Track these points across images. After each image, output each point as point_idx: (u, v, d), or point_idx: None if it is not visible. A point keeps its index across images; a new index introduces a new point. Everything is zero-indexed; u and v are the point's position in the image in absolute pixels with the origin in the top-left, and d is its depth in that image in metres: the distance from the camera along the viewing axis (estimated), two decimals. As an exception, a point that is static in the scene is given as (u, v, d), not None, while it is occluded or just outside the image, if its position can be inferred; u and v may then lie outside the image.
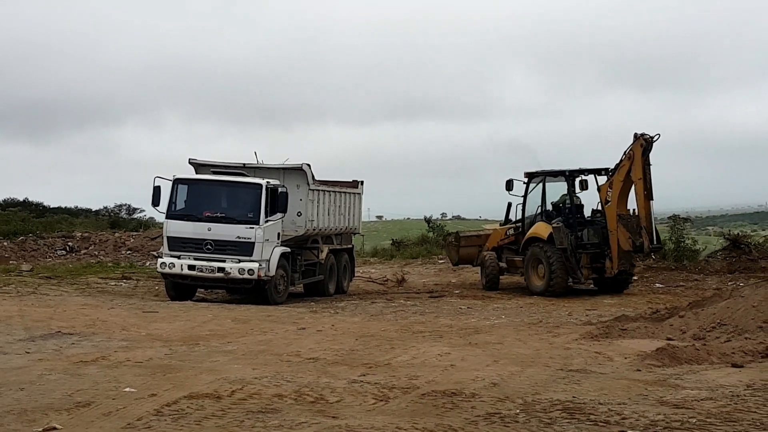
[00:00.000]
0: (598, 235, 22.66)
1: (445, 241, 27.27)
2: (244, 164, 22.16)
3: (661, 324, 14.79)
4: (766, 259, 27.66)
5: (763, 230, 44.80)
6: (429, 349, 12.95)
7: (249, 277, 20.22)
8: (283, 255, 20.95)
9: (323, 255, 23.05)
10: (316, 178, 22.25)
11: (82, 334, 14.07)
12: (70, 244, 34.39)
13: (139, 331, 14.72)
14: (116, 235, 36.39)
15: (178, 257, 20.52)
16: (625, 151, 21.81)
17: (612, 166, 22.70)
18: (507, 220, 25.16)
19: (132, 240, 35.27)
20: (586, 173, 23.35)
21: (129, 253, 33.48)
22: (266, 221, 20.38)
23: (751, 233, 35.93)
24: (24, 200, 50.75)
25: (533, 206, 24.00)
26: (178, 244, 20.62)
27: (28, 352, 12.14)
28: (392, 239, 41.52)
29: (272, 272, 20.48)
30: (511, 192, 24.11)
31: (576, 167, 23.59)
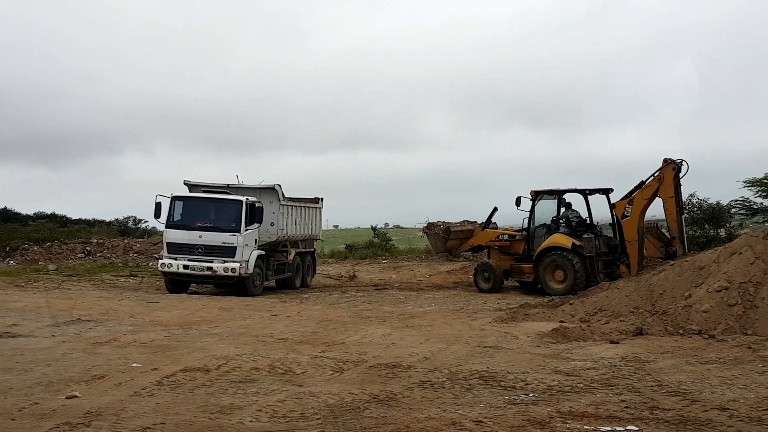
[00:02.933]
0: (606, 244, 21.61)
1: (430, 231, 24.85)
2: (228, 185, 22.08)
3: (555, 310, 14.95)
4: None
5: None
6: (375, 330, 12.99)
7: (232, 274, 20.15)
8: (259, 257, 20.89)
9: (291, 256, 22.97)
10: (286, 195, 22.22)
11: (97, 321, 13.87)
12: (88, 248, 33.76)
13: (143, 318, 14.57)
14: (125, 241, 35.83)
15: (175, 259, 20.35)
16: (653, 174, 20.44)
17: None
18: (488, 223, 23.99)
19: (138, 245, 34.75)
20: (600, 191, 21.96)
21: (136, 256, 32.97)
22: (246, 230, 20.31)
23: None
24: (51, 213, 49.70)
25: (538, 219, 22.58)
26: (175, 248, 20.45)
27: (54, 336, 11.93)
28: (346, 244, 41.39)
29: (250, 270, 20.41)
30: (519, 208, 22.51)
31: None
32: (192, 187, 22.17)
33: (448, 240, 24.29)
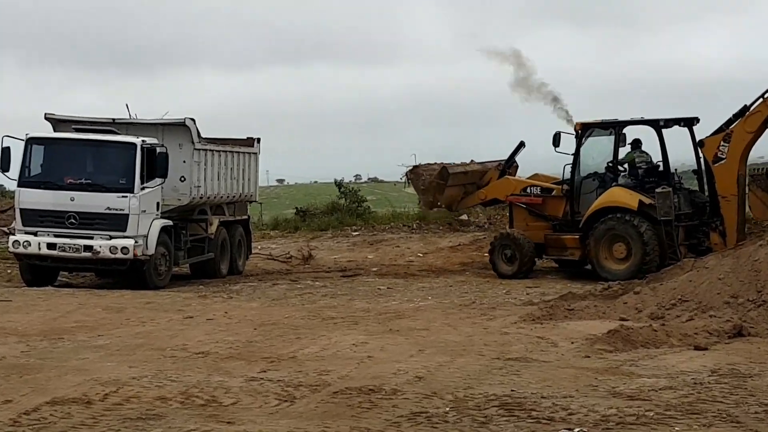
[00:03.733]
0: (689, 203, 21.91)
1: (417, 176, 24.79)
2: (113, 119, 21.86)
3: (614, 302, 15.04)
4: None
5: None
6: (342, 338, 13.04)
7: (123, 256, 20.03)
8: (164, 229, 20.82)
9: (213, 228, 22.92)
10: (203, 135, 22.07)
11: None
12: None
13: (-12, 325, 14.52)
14: (-43, 207, 35.62)
15: (35, 234, 20.23)
16: (763, 95, 20.40)
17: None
18: (510, 164, 24.23)
19: (-23, 214, 34.57)
20: (679, 123, 22.26)
21: (-26, 230, 32.82)
22: (142, 188, 20.21)
23: None
24: None
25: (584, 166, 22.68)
26: (35, 218, 20.34)
27: None
28: (296, 207, 41.31)
29: (151, 250, 20.32)
30: (558, 150, 22.73)
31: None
32: (58, 123, 21.97)
33: (445, 187, 24.35)
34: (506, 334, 13.24)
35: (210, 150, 22.48)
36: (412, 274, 23.13)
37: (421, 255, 27.14)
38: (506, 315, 15.27)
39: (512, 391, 9.37)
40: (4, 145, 20.38)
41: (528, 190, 23.45)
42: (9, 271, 23.06)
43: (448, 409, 8.68)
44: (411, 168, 25.18)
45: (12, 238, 20.77)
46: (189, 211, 22.37)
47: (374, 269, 24.52)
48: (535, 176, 24.38)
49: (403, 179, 25.25)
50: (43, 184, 20.42)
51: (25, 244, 20.21)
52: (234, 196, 24.17)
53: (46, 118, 22.07)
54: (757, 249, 14.27)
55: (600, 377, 10.00)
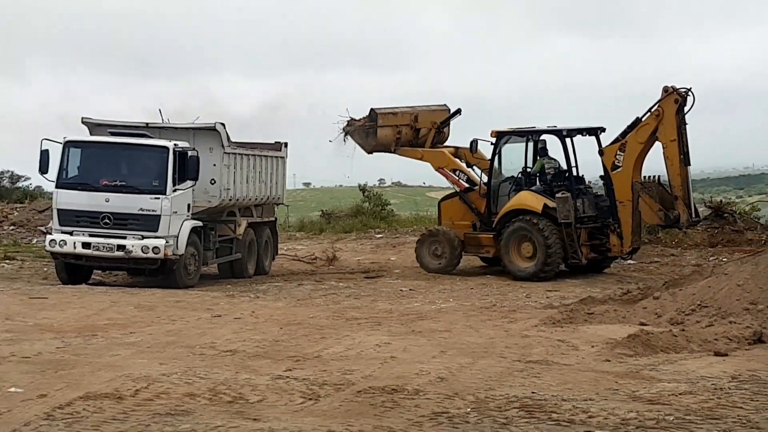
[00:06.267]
0: (594, 206, 22.68)
1: (351, 126, 25.31)
2: (147, 124, 22.01)
3: (633, 307, 14.94)
4: (753, 230, 27.71)
5: (750, 196, 45.11)
6: (365, 338, 13.00)
7: (154, 256, 20.12)
8: (194, 230, 20.89)
9: (241, 229, 22.97)
10: (233, 140, 22.10)
11: (-45, 326, 13.88)
12: (-63, 219, 33.76)
13: (25, 321, 14.54)
14: (-4, 207, 35.81)
15: (71, 233, 20.33)
16: (650, 108, 21.54)
17: (600, 126, 22.93)
18: (444, 124, 25.18)
19: (16, 213, 34.69)
20: (583, 133, 23.12)
21: (12, 229, 32.95)
22: (174, 190, 20.28)
23: (736, 200, 36.13)
24: None
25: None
26: (71, 218, 20.44)
27: None
28: (322, 210, 41.47)
29: (181, 250, 20.39)
30: (475, 155, 24.05)
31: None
32: (94, 127, 22.08)
33: (376, 129, 24.67)
34: (527, 336, 13.16)
35: (239, 154, 22.55)
36: (434, 277, 23.04)
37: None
38: (527, 318, 15.18)
39: (533, 393, 9.31)
40: (42, 148, 20.46)
41: (457, 173, 24.43)
42: (45, 269, 23.18)
43: (469, 410, 8.62)
44: (348, 122, 25.45)
45: (48, 237, 20.90)
46: (218, 213, 22.41)
47: (397, 271, 24.49)
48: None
49: (342, 134, 25.27)
50: (80, 185, 20.54)
51: (61, 243, 20.32)
52: (262, 199, 24.21)
53: (82, 122, 22.20)
54: (777, 256, 14.16)
55: (620, 381, 9.92)
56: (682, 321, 13.39)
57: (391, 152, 25.40)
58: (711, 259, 23.30)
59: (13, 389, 9.30)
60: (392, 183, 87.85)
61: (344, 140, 25.24)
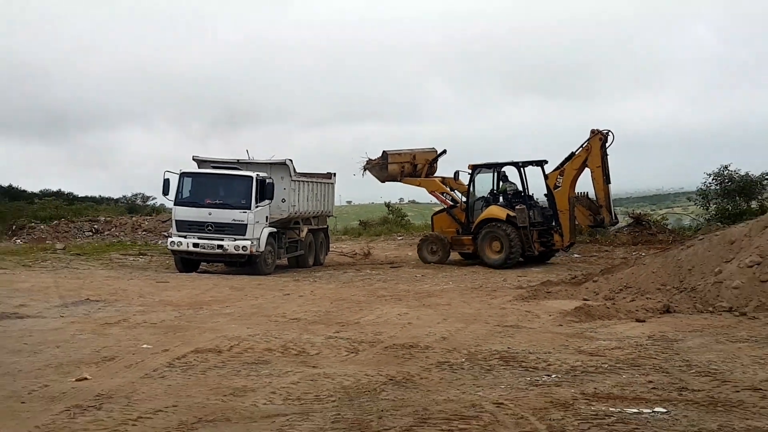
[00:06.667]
0: (541, 215, 22.81)
1: (369, 165, 24.90)
2: (238, 160, 22.13)
3: (579, 287, 14.85)
4: (663, 233, 27.93)
5: (660, 210, 44.99)
6: (390, 310, 12.98)
7: (243, 252, 20.24)
8: (270, 234, 20.94)
9: (303, 234, 23.04)
10: (297, 171, 22.22)
11: (106, 301, 13.96)
12: (95, 226, 33.91)
13: (153, 298, 14.63)
14: (133, 218, 35.95)
15: (185, 237, 20.48)
16: (581, 145, 21.96)
17: (536, 159, 22.98)
18: (434, 162, 24.89)
19: (147, 223, 34.87)
20: (532, 164, 23.06)
21: (144, 234, 33.11)
22: (256, 207, 20.36)
23: (650, 212, 36.09)
24: (57, 191, 49.81)
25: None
26: (185, 226, 20.56)
27: (63, 316, 12.01)
28: (359, 220, 41.38)
29: (262, 248, 20.48)
30: (457, 182, 24.10)
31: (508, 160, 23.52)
32: (201, 162, 22.25)
33: (387, 165, 24.65)
34: (504, 308, 13.11)
35: (302, 181, 22.67)
36: (439, 267, 22.92)
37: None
38: (504, 295, 15.12)
39: (508, 348, 9.27)
40: (165, 177, 20.64)
41: (445, 195, 24.59)
42: (167, 262, 23.29)
43: (463, 360, 8.60)
44: (367, 161, 25.26)
45: (169, 239, 21.11)
46: (287, 222, 22.46)
47: (412, 262, 24.40)
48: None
49: (362, 171, 25.24)
50: (191, 203, 20.65)
51: (178, 243, 20.51)
52: (318, 212, 24.26)
53: (193, 159, 22.38)
54: (680, 251, 14.03)
55: (569, 340, 9.87)
56: (613, 297, 13.31)
57: (398, 181, 25.30)
58: (634, 254, 23.12)
59: (145, 346, 9.38)
60: (408, 201, 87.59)
61: (363, 174, 25.24)
